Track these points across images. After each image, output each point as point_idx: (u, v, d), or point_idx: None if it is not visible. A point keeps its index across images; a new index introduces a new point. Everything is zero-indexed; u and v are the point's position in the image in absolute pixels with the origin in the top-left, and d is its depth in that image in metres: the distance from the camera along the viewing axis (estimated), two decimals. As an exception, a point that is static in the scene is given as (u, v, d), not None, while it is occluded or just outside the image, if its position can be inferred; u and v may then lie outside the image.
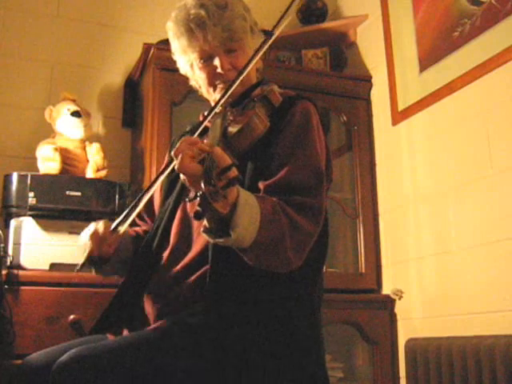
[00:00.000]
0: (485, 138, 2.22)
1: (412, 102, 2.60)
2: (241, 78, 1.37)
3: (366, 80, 2.92)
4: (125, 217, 1.43)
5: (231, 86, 1.37)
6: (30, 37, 2.76)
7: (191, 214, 1.30)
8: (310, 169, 1.30)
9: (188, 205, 1.40)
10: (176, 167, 1.13)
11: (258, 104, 1.34)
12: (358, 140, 2.86)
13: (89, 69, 2.84)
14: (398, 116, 2.69)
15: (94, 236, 1.42)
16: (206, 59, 1.44)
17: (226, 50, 1.42)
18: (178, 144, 1.17)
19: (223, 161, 1.09)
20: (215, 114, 1.39)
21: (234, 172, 1.07)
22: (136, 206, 1.42)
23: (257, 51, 1.37)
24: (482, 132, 2.23)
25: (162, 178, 1.39)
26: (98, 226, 1.44)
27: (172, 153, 1.16)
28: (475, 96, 2.28)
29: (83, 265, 1.44)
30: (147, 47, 2.58)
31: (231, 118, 1.35)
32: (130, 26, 2.92)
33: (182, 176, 1.14)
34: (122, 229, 1.44)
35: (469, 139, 2.29)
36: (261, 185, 1.29)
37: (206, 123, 1.41)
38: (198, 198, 1.03)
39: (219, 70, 1.42)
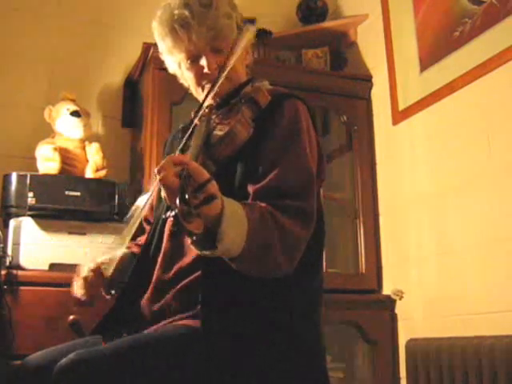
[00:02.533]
0: (485, 138, 2.21)
1: (412, 102, 2.59)
2: (221, 78, 1.31)
3: (367, 80, 2.92)
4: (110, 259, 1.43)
5: (214, 87, 1.32)
6: (29, 36, 2.76)
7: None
8: (300, 171, 1.28)
9: None
10: (158, 180, 1.09)
11: (244, 107, 1.31)
12: (359, 140, 2.85)
13: (88, 68, 2.84)
14: (399, 116, 2.68)
15: (81, 285, 1.43)
16: (193, 59, 1.41)
17: (212, 50, 1.39)
18: (163, 161, 1.12)
19: (200, 176, 1.04)
20: (202, 115, 1.37)
21: (210, 188, 1.03)
22: (122, 244, 1.41)
23: (234, 47, 1.30)
24: (482, 132, 2.23)
25: (145, 208, 1.37)
26: (86, 273, 1.44)
27: (155, 170, 1.11)
28: (476, 96, 2.27)
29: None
30: (147, 47, 2.57)
31: (216, 121, 1.33)
32: (129, 25, 2.91)
33: (162, 194, 1.11)
34: (108, 270, 1.43)
35: (469, 139, 2.29)
36: (250, 189, 1.27)
37: (195, 122, 1.39)
38: (172, 218, 1.00)
39: (206, 70, 1.39)
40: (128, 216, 1.48)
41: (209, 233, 1.09)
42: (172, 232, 1.01)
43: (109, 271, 1.43)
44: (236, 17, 1.42)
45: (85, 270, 1.44)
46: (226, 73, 1.31)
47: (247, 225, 1.13)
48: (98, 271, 1.44)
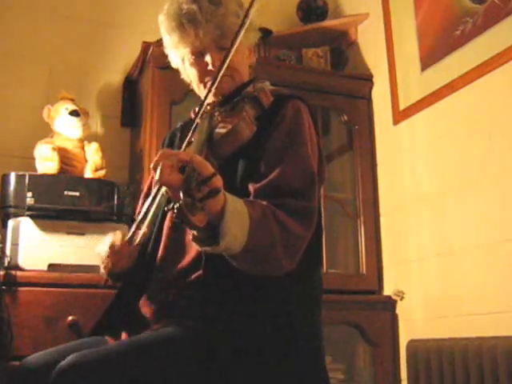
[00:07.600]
0: (486, 138, 2.20)
1: (413, 102, 2.59)
2: (222, 70, 1.30)
3: (367, 79, 2.91)
4: (137, 227, 1.39)
5: (215, 80, 1.32)
6: (27, 35, 2.75)
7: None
8: (302, 171, 1.28)
9: None
10: (156, 179, 1.08)
11: (247, 105, 1.31)
12: (359, 140, 2.84)
13: (87, 68, 2.83)
14: (399, 115, 2.67)
15: (111, 252, 1.41)
16: (198, 55, 1.41)
17: (217, 47, 1.39)
18: (156, 156, 1.11)
19: (205, 170, 1.04)
20: (204, 112, 1.36)
21: (215, 182, 1.03)
22: (146, 215, 1.37)
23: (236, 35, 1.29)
24: (483, 131, 2.22)
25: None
26: (115, 238, 1.42)
27: (151, 166, 1.10)
28: (477, 95, 2.27)
29: (107, 281, 1.44)
30: (146, 46, 2.56)
31: (219, 118, 1.33)
32: (128, 24, 2.91)
33: (163, 188, 1.10)
34: (136, 239, 1.40)
35: (470, 139, 2.28)
36: (251, 187, 1.27)
37: (196, 121, 1.39)
38: (175, 210, 0.99)
39: (210, 67, 1.39)
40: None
41: (211, 228, 1.08)
42: (173, 224, 1.00)
43: (136, 240, 1.39)
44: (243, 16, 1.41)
45: (107, 243, 1.41)
46: (225, 66, 1.30)
47: (249, 221, 1.13)
48: (123, 240, 1.41)
